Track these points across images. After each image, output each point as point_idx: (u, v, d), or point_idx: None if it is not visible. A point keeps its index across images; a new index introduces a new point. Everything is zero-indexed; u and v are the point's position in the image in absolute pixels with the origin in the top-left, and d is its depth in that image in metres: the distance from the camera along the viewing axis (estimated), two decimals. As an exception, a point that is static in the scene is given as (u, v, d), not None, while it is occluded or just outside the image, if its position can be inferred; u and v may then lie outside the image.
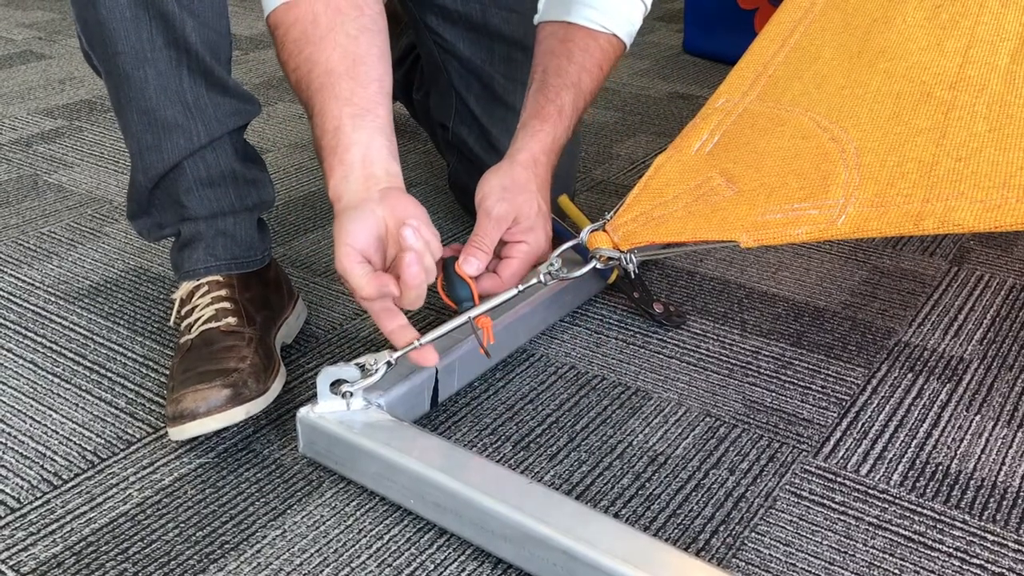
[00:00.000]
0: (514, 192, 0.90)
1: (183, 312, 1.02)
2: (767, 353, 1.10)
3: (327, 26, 0.87)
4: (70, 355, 1.10)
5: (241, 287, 1.03)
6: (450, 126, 1.32)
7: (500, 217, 0.89)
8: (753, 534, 0.85)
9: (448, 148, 1.36)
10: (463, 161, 1.33)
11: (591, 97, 0.99)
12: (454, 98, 1.30)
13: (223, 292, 1.02)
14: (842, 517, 0.86)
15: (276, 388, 0.98)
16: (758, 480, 0.91)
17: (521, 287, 0.89)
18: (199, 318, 1.00)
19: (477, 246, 0.88)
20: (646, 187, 0.88)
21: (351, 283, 0.82)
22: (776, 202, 0.77)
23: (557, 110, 0.95)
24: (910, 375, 1.06)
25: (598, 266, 0.87)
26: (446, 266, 0.89)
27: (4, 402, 1.02)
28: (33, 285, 1.25)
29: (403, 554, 0.83)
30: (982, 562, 0.81)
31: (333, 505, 0.88)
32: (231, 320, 1.00)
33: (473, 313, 0.88)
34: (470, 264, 0.87)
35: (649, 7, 1.01)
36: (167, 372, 1.05)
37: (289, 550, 0.83)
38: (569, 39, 0.97)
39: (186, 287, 1.03)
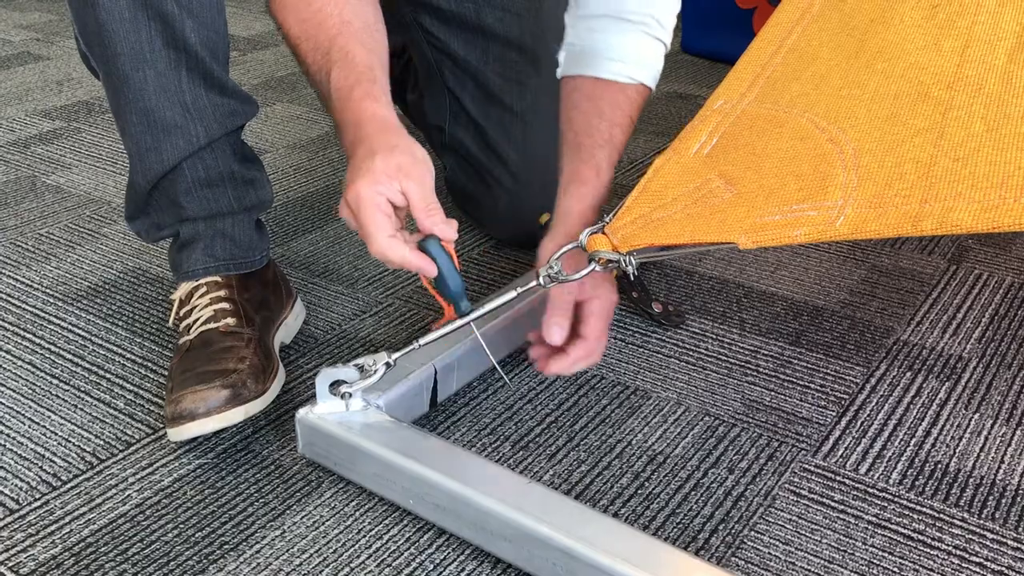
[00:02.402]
0: (577, 255, 0.90)
1: (182, 313, 1.02)
2: (766, 352, 1.10)
3: None
4: (69, 356, 1.10)
5: (240, 287, 1.03)
6: (446, 128, 1.32)
7: (576, 282, 0.89)
8: (752, 533, 0.85)
9: (445, 151, 1.36)
10: (460, 162, 1.33)
11: (623, 147, 0.99)
12: (448, 99, 1.30)
13: (222, 293, 1.02)
14: (841, 516, 0.86)
15: (275, 389, 0.98)
16: (757, 479, 0.91)
17: (520, 290, 0.89)
18: (198, 319, 1.00)
19: (557, 313, 0.89)
20: (645, 189, 0.88)
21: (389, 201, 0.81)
22: (775, 204, 0.77)
23: (595, 171, 0.95)
24: (909, 374, 1.06)
25: (597, 268, 0.87)
26: (433, 257, 0.84)
27: (3, 403, 1.02)
28: (31, 286, 1.25)
29: (402, 554, 0.83)
30: (981, 560, 0.81)
31: (332, 505, 0.88)
32: (230, 321, 1.00)
33: (472, 317, 0.88)
34: (555, 333, 0.88)
35: (669, 46, 1.00)
36: (166, 373, 1.05)
37: (288, 550, 0.83)
38: (597, 95, 0.97)
39: (185, 288, 1.03)
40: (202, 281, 1.03)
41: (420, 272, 0.83)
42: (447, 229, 0.83)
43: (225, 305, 1.01)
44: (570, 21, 1.01)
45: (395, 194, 0.81)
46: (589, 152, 0.95)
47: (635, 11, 0.97)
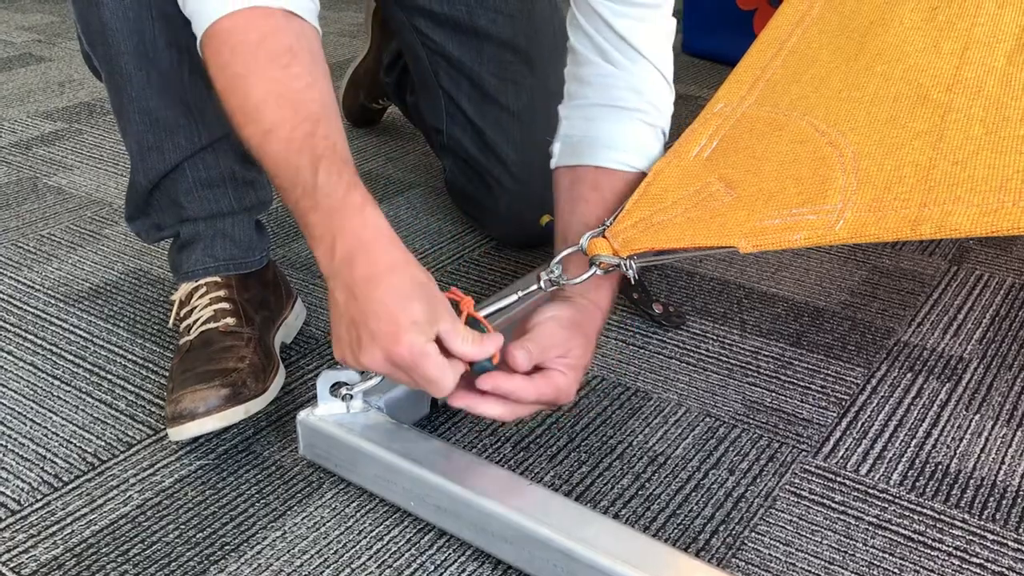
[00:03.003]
0: (576, 331, 0.86)
1: (182, 313, 1.03)
2: (767, 353, 1.10)
3: (307, 41, 0.82)
4: (70, 357, 1.10)
5: (240, 288, 1.03)
6: (443, 129, 1.32)
7: (558, 342, 0.85)
8: (753, 534, 0.85)
9: (443, 151, 1.36)
10: (459, 163, 1.33)
11: None
12: (443, 100, 1.30)
13: (222, 293, 1.02)
14: (842, 517, 0.86)
15: (275, 387, 0.99)
16: (758, 480, 0.91)
17: (521, 293, 0.89)
18: (198, 319, 1.00)
19: (531, 348, 0.82)
20: (645, 193, 0.88)
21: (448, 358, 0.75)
22: (774, 207, 0.77)
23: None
24: (910, 375, 1.06)
25: (599, 272, 0.87)
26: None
27: (4, 404, 1.02)
28: (33, 288, 1.25)
29: (403, 555, 0.83)
30: (982, 561, 0.81)
31: (333, 506, 0.88)
32: (230, 320, 1.00)
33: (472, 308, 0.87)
34: (521, 358, 0.81)
35: (667, 132, 0.98)
36: (167, 374, 1.05)
37: (289, 551, 0.83)
38: (601, 185, 0.94)
39: (185, 288, 1.03)
40: (202, 281, 1.03)
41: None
42: (496, 342, 0.79)
43: (225, 305, 1.01)
44: (564, 112, 0.99)
45: (432, 338, 0.75)
46: None
47: (631, 98, 0.95)
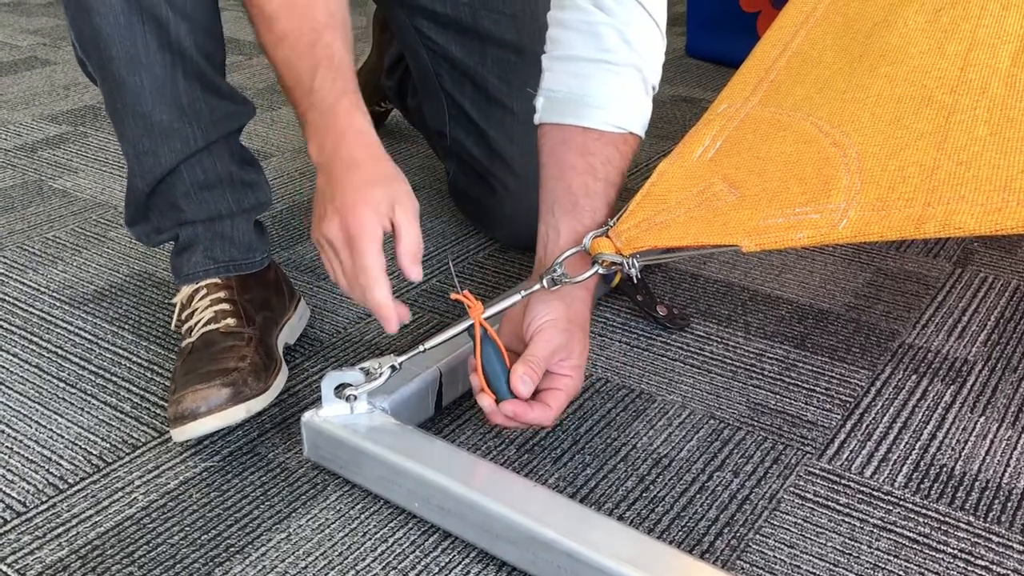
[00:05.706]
0: (574, 328, 0.87)
1: (183, 316, 1.03)
2: (771, 355, 1.10)
3: None
4: (75, 360, 1.10)
5: (240, 289, 1.04)
6: (447, 132, 1.32)
7: (559, 347, 0.86)
8: (757, 536, 0.85)
9: (447, 155, 1.36)
10: (463, 166, 1.33)
11: (615, 204, 0.93)
12: (446, 103, 1.30)
13: (222, 294, 1.02)
14: (846, 519, 0.86)
15: (277, 386, 0.99)
16: (762, 482, 0.91)
17: (524, 293, 0.89)
18: (199, 321, 1.00)
19: (534, 367, 0.85)
20: (648, 194, 0.87)
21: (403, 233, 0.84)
22: (778, 206, 0.77)
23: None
24: (914, 377, 1.06)
25: (600, 271, 0.87)
26: (485, 349, 0.86)
27: (10, 406, 1.02)
28: (38, 290, 1.26)
29: (408, 557, 0.83)
30: (987, 563, 0.81)
31: (338, 508, 0.88)
32: (230, 321, 1.00)
33: (481, 317, 0.88)
34: (526, 384, 0.84)
35: (657, 87, 0.95)
36: (171, 376, 1.05)
37: (294, 553, 0.83)
38: (589, 150, 0.91)
39: (186, 291, 1.04)
40: (202, 284, 1.03)
41: (386, 322, 0.85)
42: (416, 272, 0.84)
43: (225, 306, 1.01)
44: (547, 64, 0.96)
45: (387, 227, 0.84)
46: (590, 215, 0.91)
47: (621, 52, 0.91)
